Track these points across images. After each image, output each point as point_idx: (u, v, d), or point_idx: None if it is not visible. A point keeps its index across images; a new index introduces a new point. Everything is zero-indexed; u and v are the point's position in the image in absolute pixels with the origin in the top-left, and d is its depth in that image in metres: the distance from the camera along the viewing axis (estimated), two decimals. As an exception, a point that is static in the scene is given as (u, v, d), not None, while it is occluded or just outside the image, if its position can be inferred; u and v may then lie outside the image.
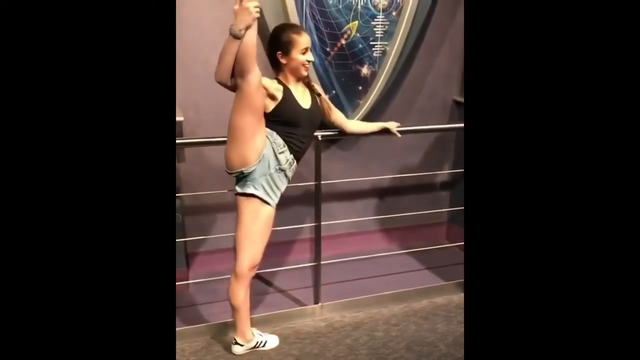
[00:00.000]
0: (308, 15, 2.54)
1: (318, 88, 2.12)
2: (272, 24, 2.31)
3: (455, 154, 3.14)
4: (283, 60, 1.89)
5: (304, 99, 1.97)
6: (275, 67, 1.95)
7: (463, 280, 2.67)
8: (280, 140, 1.91)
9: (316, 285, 2.51)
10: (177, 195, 2.51)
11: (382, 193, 3.13)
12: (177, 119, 2.33)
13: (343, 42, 2.65)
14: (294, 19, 2.47)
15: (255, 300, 2.50)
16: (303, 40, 1.87)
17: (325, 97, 2.13)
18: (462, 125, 2.90)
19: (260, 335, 2.25)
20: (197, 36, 2.49)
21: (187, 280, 2.69)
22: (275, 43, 1.89)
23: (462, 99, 2.95)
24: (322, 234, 2.45)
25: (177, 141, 2.15)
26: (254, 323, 2.26)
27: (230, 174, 1.92)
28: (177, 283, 2.46)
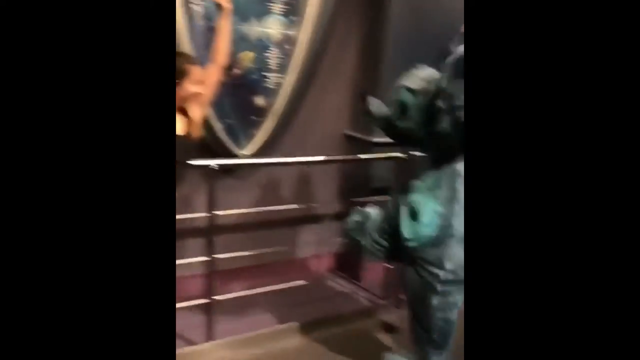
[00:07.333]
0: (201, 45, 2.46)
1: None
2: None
3: (343, 186, 3.22)
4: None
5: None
6: None
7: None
8: None
9: (208, 322, 2.34)
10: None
11: (275, 224, 3.04)
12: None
13: (238, 71, 2.65)
14: (187, 47, 2.39)
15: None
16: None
17: None
18: (354, 157, 2.97)
19: None
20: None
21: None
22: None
23: (352, 133, 3.12)
24: (216, 268, 2.34)
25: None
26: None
27: None
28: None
